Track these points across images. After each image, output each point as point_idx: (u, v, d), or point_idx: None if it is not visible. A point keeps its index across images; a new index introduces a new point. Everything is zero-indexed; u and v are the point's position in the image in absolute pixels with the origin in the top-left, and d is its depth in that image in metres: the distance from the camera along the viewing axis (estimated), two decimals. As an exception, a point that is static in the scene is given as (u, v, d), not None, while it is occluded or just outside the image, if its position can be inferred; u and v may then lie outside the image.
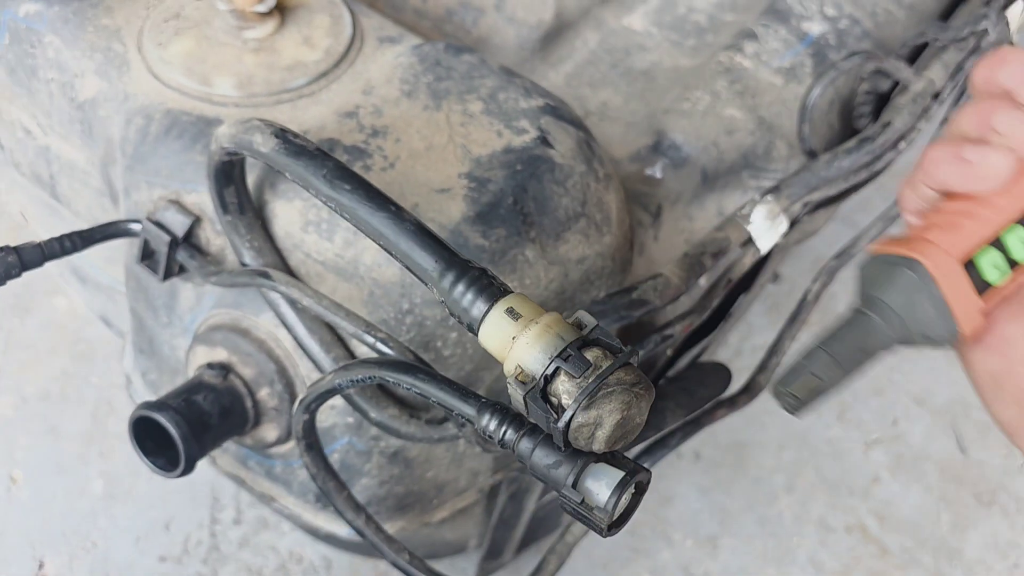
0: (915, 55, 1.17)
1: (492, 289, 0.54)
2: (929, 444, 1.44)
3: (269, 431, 0.84)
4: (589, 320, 0.52)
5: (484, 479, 0.96)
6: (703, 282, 0.92)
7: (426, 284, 0.57)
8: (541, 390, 0.51)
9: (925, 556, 1.32)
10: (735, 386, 1.01)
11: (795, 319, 1.09)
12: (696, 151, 1.08)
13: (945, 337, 0.46)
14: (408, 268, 0.58)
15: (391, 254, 0.58)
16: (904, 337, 0.47)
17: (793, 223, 1.03)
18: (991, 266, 0.46)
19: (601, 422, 0.50)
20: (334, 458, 0.84)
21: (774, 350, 1.06)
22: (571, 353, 0.51)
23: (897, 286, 0.46)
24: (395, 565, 0.80)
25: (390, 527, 0.91)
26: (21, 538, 1.28)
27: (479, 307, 0.54)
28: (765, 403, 1.08)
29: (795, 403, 0.47)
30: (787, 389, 0.46)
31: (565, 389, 0.50)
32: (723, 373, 0.93)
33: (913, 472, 1.40)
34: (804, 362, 0.47)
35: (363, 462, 0.85)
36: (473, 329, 0.55)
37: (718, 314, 1.08)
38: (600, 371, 0.50)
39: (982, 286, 0.46)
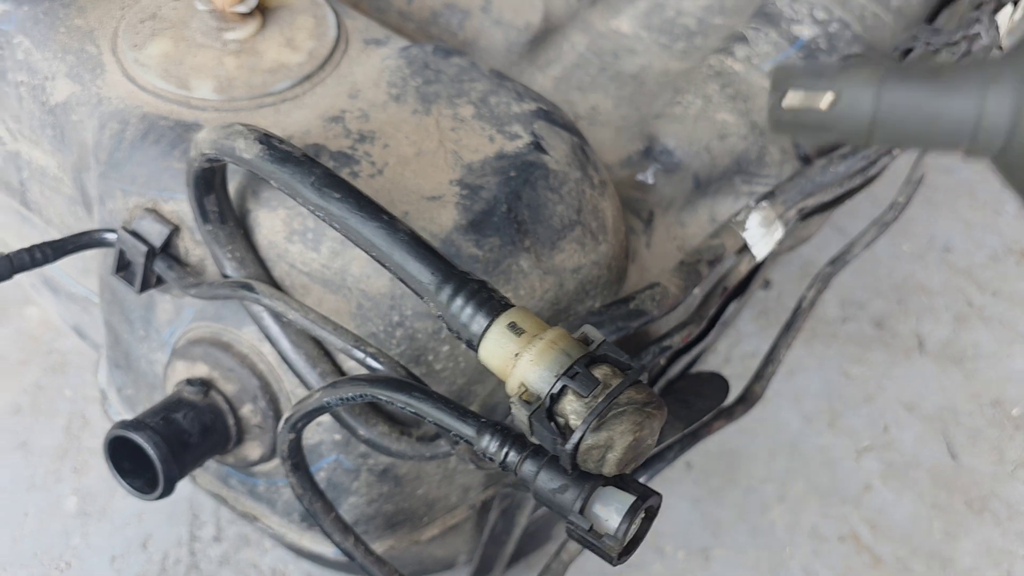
0: (902, 59, 1.16)
1: (492, 303, 0.52)
2: (920, 451, 1.42)
3: (252, 449, 0.80)
4: (596, 335, 0.50)
5: (475, 495, 0.93)
6: (697, 291, 0.90)
7: (422, 298, 0.54)
8: (547, 410, 0.48)
9: (918, 565, 1.31)
10: (730, 396, 0.99)
11: (790, 326, 1.07)
12: (688, 156, 1.06)
13: None
14: (403, 281, 0.55)
15: (384, 266, 0.55)
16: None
17: (788, 229, 1.00)
18: None
19: (612, 444, 0.47)
20: (321, 476, 0.81)
21: (770, 358, 1.04)
22: (578, 371, 0.48)
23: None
24: (385, 588, 0.77)
25: (379, 546, 0.87)
26: (-9, 558, 1.24)
27: (479, 322, 0.51)
28: (755, 412, 1.06)
29: (787, 117, 0.34)
30: (789, 97, 0.33)
31: (573, 409, 0.48)
32: (720, 383, 0.91)
33: (905, 479, 1.39)
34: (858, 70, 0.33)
35: (351, 480, 0.81)
36: (473, 345, 0.52)
37: (710, 321, 1.05)
38: (610, 390, 0.47)
39: None
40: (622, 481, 0.50)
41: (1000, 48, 1.22)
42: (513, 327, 0.50)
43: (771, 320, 1.54)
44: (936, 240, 1.69)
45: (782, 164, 1.10)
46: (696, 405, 0.88)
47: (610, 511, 0.49)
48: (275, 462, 0.83)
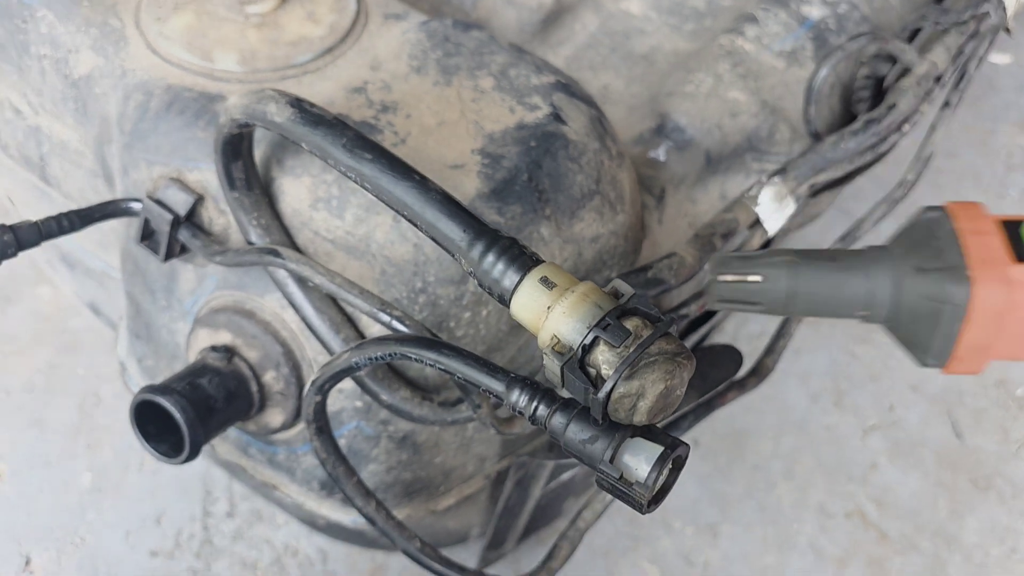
0: (911, 38, 1.17)
1: (524, 258, 0.53)
2: (925, 430, 1.43)
3: (274, 416, 0.82)
4: (626, 289, 0.51)
5: (491, 465, 0.94)
6: (708, 267, 0.91)
7: (453, 255, 0.55)
8: (579, 360, 0.49)
9: (924, 542, 1.32)
10: (742, 369, 1.00)
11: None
12: (700, 133, 1.07)
13: (950, 279, 0.41)
14: (434, 239, 0.56)
15: (416, 225, 0.57)
16: (906, 272, 0.42)
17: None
18: None
19: (644, 393, 0.48)
20: (342, 443, 0.82)
21: (781, 332, 1.05)
22: (610, 322, 0.49)
23: (916, 224, 0.44)
24: (406, 553, 0.78)
25: (397, 514, 0.89)
26: (6, 533, 1.25)
27: (511, 277, 0.52)
28: (763, 390, 1.07)
29: (725, 291, 0.41)
30: (724, 276, 0.41)
31: (605, 359, 0.49)
32: (734, 355, 0.92)
33: (910, 458, 1.40)
34: (772, 262, 0.42)
35: (371, 447, 0.83)
36: (505, 300, 0.53)
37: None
38: (641, 340, 0.48)
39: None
40: (650, 432, 0.51)
41: (1007, 30, 1.23)
42: (545, 281, 0.51)
43: (777, 301, 1.55)
44: (940, 224, 1.71)
45: (792, 142, 1.11)
46: (711, 376, 0.89)
47: (639, 460, 0.50)
48: (295, 430, 0.84)
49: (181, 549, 1.25)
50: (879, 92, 1.14)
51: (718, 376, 0.89)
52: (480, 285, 0.54)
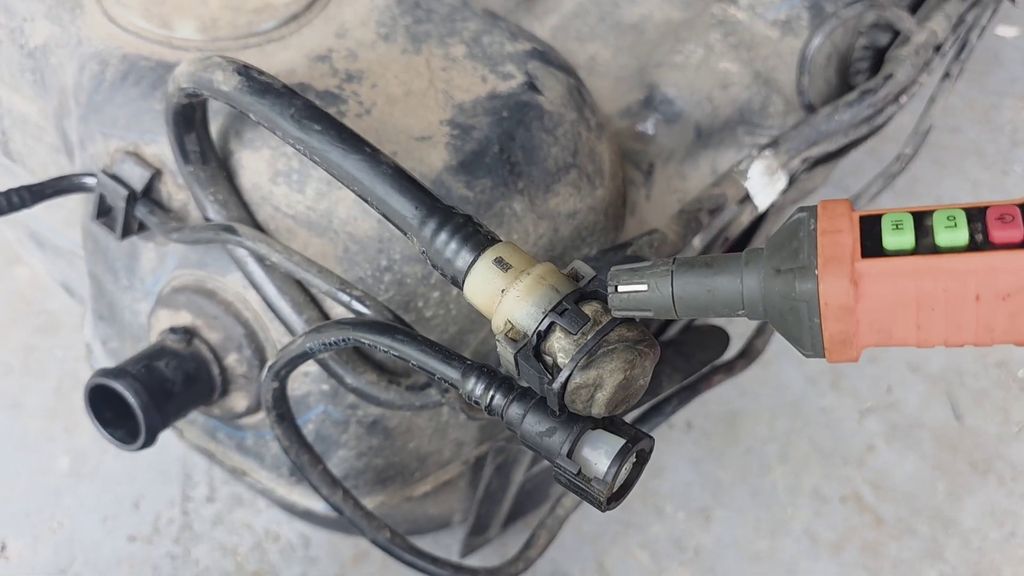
0: (915, 6, 1.12)
1: (478, 237, 0.49)
2: (924, 412, 1.40)
3: (238, 400, 0.78)
4: (587, 271, 0.47)
5: (469, 450, 0.91)
6: (697, 243, 0.87)
7: (405, 233, 0.52)
8: (534, 348, 0.46)
9: (921, 526, 1.29)
10: (731, 351, 0.96)
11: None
12: (690, 106, 1.02)
13: (800, 278, 0.43)
14: (385, 216, 0.52)
15: (366, 201, 0.53)
16: (766, 274, 0.44)
17: (791, 180, 0.98)
18: (892, 227, 0.42)
19: (601, 383, 0.45)
20: (308, 428, 0.79)
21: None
22: (567, 307, 0.45)
23: (786, 225, 0.45)
24: (375, 543, 0.75)
25: (369, 502, 0.86)
26: (-17, 518, 1.22)
27: (464, 257, 0.49)
28: (758, 372, 1.04)
29: (619, 302, 0.45)
30: (618, 288, 0.46)
31: (561, 347, 0.45)
32: (721, 336, 0.88)
33: (908, 440, 1.37)
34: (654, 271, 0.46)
35: (340, 432, 0.79)
36: (457, 282, 0.49)
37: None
38: (600, 327, 0.45)
39: (877, 250, 0.43)
40: (612, 424, 0.48)
41: (1012, 0, 1.18)
42: (500, 262, 0.48)
43: (774, 280, 1.51)
44: (942, 200, 1.66)
45: (785, 115, 1.06)
46: (696, 358, 0.86)
47: (599, 454, 0.46)
48: (262, 414, 0.81)
49: (160, 534, 1.22)
50: (879, 64, 1.10)
51: (703, 358, 0.86)
52: (433, 266, 0.50)
